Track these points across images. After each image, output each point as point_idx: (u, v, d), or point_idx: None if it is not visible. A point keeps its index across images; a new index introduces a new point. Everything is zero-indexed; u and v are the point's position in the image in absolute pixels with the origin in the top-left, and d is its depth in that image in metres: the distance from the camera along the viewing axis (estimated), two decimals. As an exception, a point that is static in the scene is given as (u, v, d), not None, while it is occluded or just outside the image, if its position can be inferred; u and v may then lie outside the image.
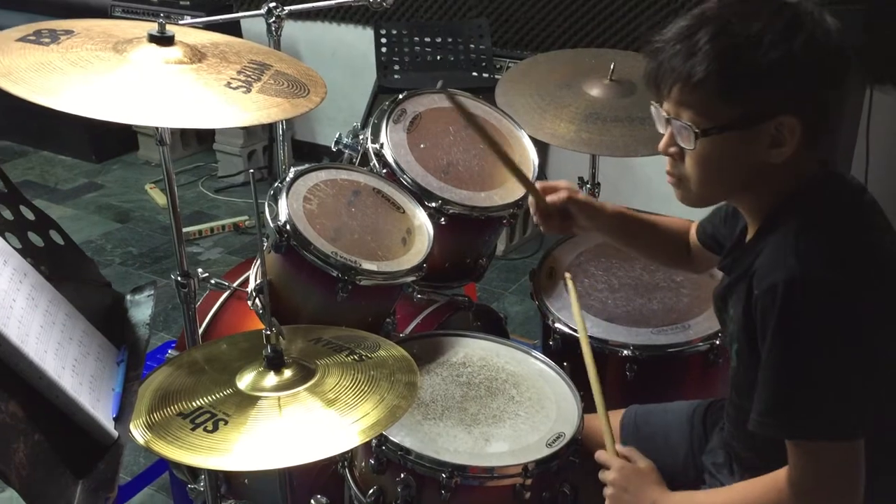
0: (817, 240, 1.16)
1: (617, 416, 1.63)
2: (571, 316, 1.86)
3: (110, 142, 4.39)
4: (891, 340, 1.18)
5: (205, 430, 1.18)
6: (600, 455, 1.45)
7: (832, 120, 1.19)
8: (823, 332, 1.13)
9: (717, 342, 1.79)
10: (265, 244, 1.65)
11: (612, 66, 2.07)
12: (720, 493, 1.34)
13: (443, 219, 1.82)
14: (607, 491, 1.41)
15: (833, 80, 1.17)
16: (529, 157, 2.01)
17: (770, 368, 1.17)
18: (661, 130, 1.25)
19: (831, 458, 1.16)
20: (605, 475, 1.43)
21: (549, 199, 1.56)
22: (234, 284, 1.92)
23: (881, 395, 1.19)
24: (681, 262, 1.68)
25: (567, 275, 1.75)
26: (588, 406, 1.55)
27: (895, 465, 1.25)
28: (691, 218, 1.64)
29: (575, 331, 1.83)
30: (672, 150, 1.24)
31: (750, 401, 1.22)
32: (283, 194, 1.64)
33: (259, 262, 1.64)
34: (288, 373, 1.29)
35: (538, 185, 1.59)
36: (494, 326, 2.09)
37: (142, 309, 1.32)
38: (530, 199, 1.59)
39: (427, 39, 3.45)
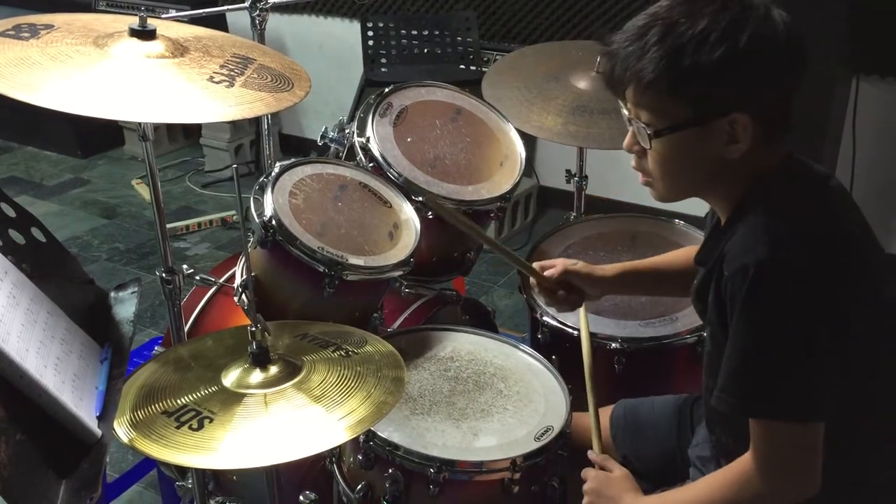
0: (783, 225, 1.17)
1: (606, 412, 1.63)
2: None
3: (96, 137, 4.36)
4: (855, 324, 1.18)
5: (190, 428, 1.17)
6: (591, 456, 1.48)
7: (790, 110, 1.20)
8: (787, 313, 1.13)
9: (705, 334, 1.78)
10: (251, 240, 1.64)
11: (598, 59, 2.06)
12: (689, 489, 1.34)
13: (430, 213, 1.81)
14: (585, 500, 1.43)
15: (784, 76, 1.17)
16: (516, 150, 2.00)
17: (733, 346, 1.18)
18: (627, 127, 1.26)
19: (788, 438, 1.17)
20: (584, 483, 1.44)
21: (548, 273, 1.62)
22: (221, 280, 1.92)
23: (843, 377, 1.19)
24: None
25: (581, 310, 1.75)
26: (576, 401, 1.55)
27: (850, 449, 1.25)
28: (685, 211, 1.62)
29: (563, 323, 1.83)
30: (636, 148, 1.26)
31: None
32: (269, 189, 1.63)
33: (244, 257, 1.63)
34: (274, 369, 1.28)
35: (536, 265, 1.64)
36: (483, 320, 2.09)
37: (126, 306, 1.31)
38: (531, 280, 1.65)
39: (414, 32, 3.43)
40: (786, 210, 1.19)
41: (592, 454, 1.48)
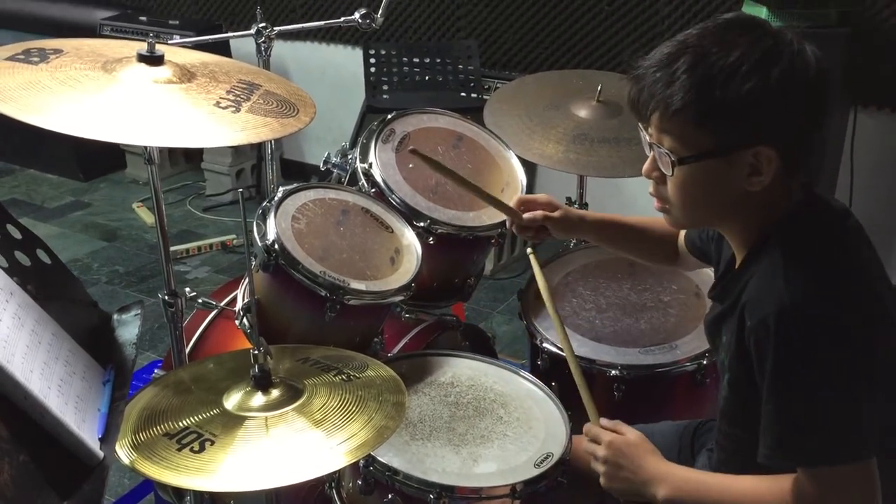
0: (804, 268, 1.16)
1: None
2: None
3: (98, 160, 4.38)
4: (884, 357, 1.18)
5: (191, 450, 1.17)
6: (588, 428, 1.43)
7: (813, 146, 1.20)
8: (819, 360, 1.13)
9: (704, 362, 1.79)
10: (253, 263, 1.65)
11: (599, 88, 2.09)
12: (728, 482, 1.29)
13: (431, 238, 1.82)
14: (599, 468, 1.38)
15: (812, 111, 1.17)
16: (517, 178, 2.01)
17: (774, 402, 1.16)
18: (647, 153, 1.26)
19: (851, 478, 1.17)
20: (594, 450, 1.39)
21: (526, 216, 1.63)
22: (222, 304, 1.92)
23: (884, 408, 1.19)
24: (669, 263, 1.71)
25: (529, 250, 1.78)
26: (576, 427, 1.54)
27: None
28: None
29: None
30: (655, 174, 1.25)
31: (743, 431, 1.23)
32: (272, 213, 1.64)
33: (247, 280, 1.64)
34: (275, 393, 1.28)
35: (516, 199, 1.65)
36: (482, 346, 2.09)
37: (129, 328, 1.31)
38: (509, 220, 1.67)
39: (416, 60, 3.46)
40: (804, 254, 1.18)
41: (589, 427, 1.42)
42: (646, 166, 1.26)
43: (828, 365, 1.13)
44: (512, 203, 1.68)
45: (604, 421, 1.43)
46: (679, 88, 1.13)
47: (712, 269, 1.49)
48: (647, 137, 1.22)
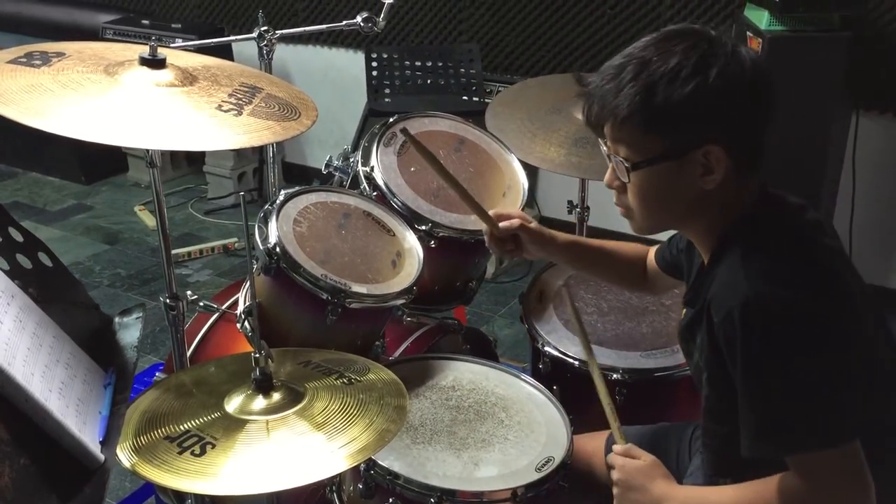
0: (762, 261, 1.20)
1: (603, 436, 1.63)
2: (560, 339, 1.86)
3: (100, 163, 4.38)
4: (854, 339, 1.20)
5: (192, 453, 1.17)
6: (611, 459, 1.45)
7: (764, 145, 1.24)
8: (786, 348, 1.15)
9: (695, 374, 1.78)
10: (255, 266, 1.65)
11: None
12: (725, 492, 1.31)
13: (433, 242, 1.82)
14: (614, 491, 1.41)
15: (753, 108, 1.21)
16: (519, 181, 2.01)
17: (749, 394, 1.19)
18: (608, 163, 1.30)
19: (834, 464, 1.18)
20: (611, 475, 1.42)
21: (502, 225, 1.62)
22: (223, 307, 1.92)
23: (866, 391, 1.20)
24: (637, 286, 1.74)
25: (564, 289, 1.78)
26: (577, 431, 1.54)
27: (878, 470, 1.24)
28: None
29: (565, 353, 1.83)
30: (616, 183, 1.29)
31: (727, 427, 1.24)
32: (273, 217, 1.64)
33: (248, 284, 1.64)
34: (276, 396, 1.28)
35: (492, 212, 1.64)
36: (484, 350, 2.09)
37: (130, 332, 1.31)
38: (484, 226, 1.65)
39: (418, 63, 3.47)
40: (761, 248, 1.22)
41: (618, 447, 1.45)
42: (606, 177, 1.31)
43: (794, 352, 1.15)
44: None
45: (617, 447, 1.45)
46: (625, 97, 1.19)
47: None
48: (605, 149, 1.27)
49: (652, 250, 1.65)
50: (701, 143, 1.19)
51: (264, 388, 1.28)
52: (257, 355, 1.28)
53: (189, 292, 1.69)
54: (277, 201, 1.68)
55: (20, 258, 1.23)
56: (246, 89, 1.48)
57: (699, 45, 1.18)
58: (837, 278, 1.22)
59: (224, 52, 3.60)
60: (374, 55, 3.46)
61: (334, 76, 4.06)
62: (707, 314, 1.24)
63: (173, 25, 3.99)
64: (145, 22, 4.04)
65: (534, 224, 1.64)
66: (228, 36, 3.72)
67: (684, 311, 1.40)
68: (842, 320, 1.19)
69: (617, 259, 1.69)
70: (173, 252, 1.67)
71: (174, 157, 4.38)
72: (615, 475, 1.40)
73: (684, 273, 1.48)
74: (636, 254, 1.68)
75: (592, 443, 1.62)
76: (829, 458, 1.17)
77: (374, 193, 1.85)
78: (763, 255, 1.21)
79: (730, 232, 1.26)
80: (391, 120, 1.98)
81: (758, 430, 1.19)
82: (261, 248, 1.61)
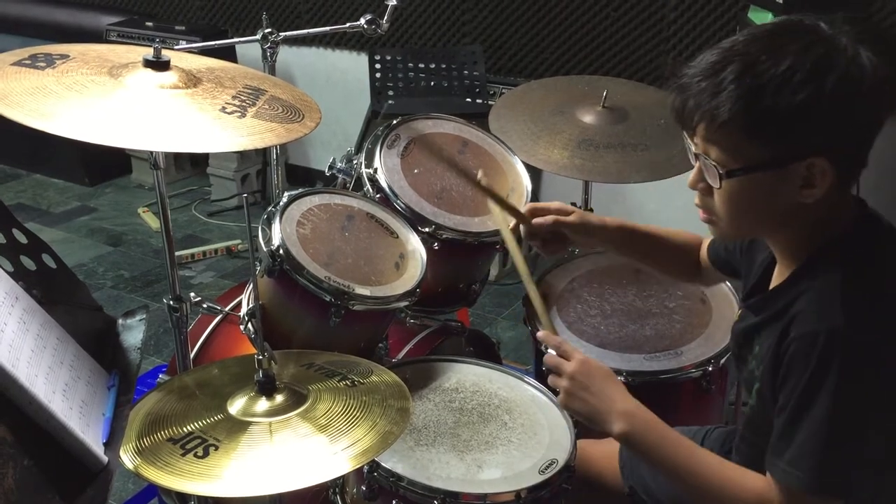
0: (863, 294, 1.13)
1: (613, 443, 1.62)
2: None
3: (103, 165, 4.39)
4: None
5: (195, 455, 1.17)
6: (548, 338, 1.37)
7: (867, 157, 1.15)
8: (859, 392, 1.11)
9: (710, 369, 1.78)
10: (258, 268, 1.65)
11: (604, 94, 2.09)
12: (694, 448, 1.27)
13: (436, 244, 1.82)
14: (562, 383, 1.32)
15: (868, 120, 1.12)
16: (523, 183, 2.01)
17: (804, 419, 1.13)
18: (693, 163, 1.21)
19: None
20: (559, 364, 1.33)
21: (536, 222, 1.55)
22: (227, 309, 1.92)
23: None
24: (689, 278, 1.66)
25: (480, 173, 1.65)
26: (582, 433, 1.54)
27: None
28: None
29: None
30: (701, 185, 1.20)
31: (765, 439, 1.20)
32: (277, 218, 1.64)
33: (252, 285, 1.64)
34: (280, 398, 1.28)
35: (527, 206, 1.58)
36: (487, 352, 2.09)
37: (133, 333, 1.31)
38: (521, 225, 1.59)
39: (421, 65, 3.47)
40: (864, 276, 1.15)
41: (546, 336, 1.37)
42: (691, 178, 1.21)
43: (862, 398, 1.10)
44: (524, 210, 1.60)
45: (543, 335, 1.36)
46: (726, 99, 1.08)
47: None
48: (693, 147, 1.17)
49: (705, 241, 1.55)
50: (806, 155, 1.08)
51: (267, 390, 1.28)
52: (260, 357, 1.28)
53: (192, 294, 1.69)
54: (281, 203, 1.68)
55: (24, 260, 1.24)
56: (249, 91, 1.48)
57: (815, 47, 1.06)
58: None
59: (228, 54, 3.61)
60: (378, 57, 3.46)
61: (338, 78, 4.07)
62: (785, 327, 1.15)
63: (177, 27, 4.00)
64: (149, 24, 4.05)
65: (573, 216, 1.54)
66: (232, 38, 3.73)
67: (739, 312, 1.32)
68: None
69: (670, 247, 1.58)
70: (177, 254, 1.67)
71: (178, 160, 4.38)
72: (571, 367, 1.31)
73: (741, 272, 1.40)
74: (690, 243, 1.58)
75: (600, 448, 1.62)
76: (816, 502, 1.14)
77: (378, 195, 1.85)
78: (865, 285, 1.13)
79: (825, 247, 1.17)
80: (394, 122, 1.98)
81: (800, 460, 1.14)
82: (264, 249, 1.61)
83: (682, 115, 1.16)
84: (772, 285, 1.27)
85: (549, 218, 1.55)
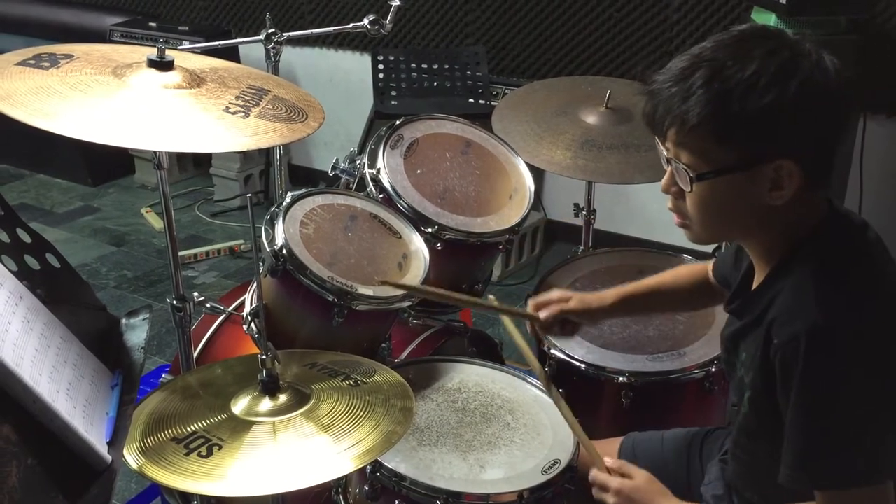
0: (836, 286, 1.15)
1: (615, 444, 1.62)
2: (566, 342, 1.86)
3: (107, 165, 4.39)
4: None
5: (199, 455, 1.18)
6: (596, 476, 1.40)
7: (835, 159, 1.17)
8: (848, 381, 1.11)
9: (713, 369, 1.78)
10: (261, 268, 1.65)
11: (608, 94, 2.09)
12: None
13: (439, 244, 1.82)
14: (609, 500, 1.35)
15: (832, 123, 1.14)
16: (526, 184, 2.01)
17: (799, 422, 1.15)
18: (665, 167, 1.23)
19: (862, 501, 1.15)
20: (603, 498, 1.37)
21: (542, 315, 1.60)
22: (230, 308, 1.92)
23: None
24: (707, 304, 1.68)
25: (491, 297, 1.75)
26: (585, 432, 1.54)
27: None
28: (693, 246, 1.60)
29: (571, 356, 1.82)
30: (673, 189, 1.22)
31: (762, 445, 1.21)
32: (280, 218, 1.64)
33: (255, 286, 1.64)
34: (283, 398, 1.28)
35: (531, 304, 1.63)
36: (490, 352, 2.09)
37: (137, 333, 1.31)
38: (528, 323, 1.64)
39: (424, 66, 3.47)
40: (834, 272, 1.16)
41: (597, 475, 1.40)
42: (664, 182, 1.23)
43: (856, 386, 1.11)
44: (529, 310, 1.64)
45: (608, 461, 1.41)
46: (695, 104, 1.10)
47: None
48: (665, 152, 1.19)
49: (709, 265, 1.57)
50: (773, 157, 1.11)
51: (271, 389, 1.28)
52: (264, 357, 1.28)
53: (196, 294, 1.69)
54: (284, 203, 1.69)
55: (28, 259, 1.23)
56: (253, 91, 1.48)
57: (780, 52, 1.09)
58: None
59: (231, 54, 3.61)
60: (381, 57, 3.46)
61: (341, 78, 4.07)
62: (766, 333, 1.18)
63: (180, 28, 4.00)
64: (153, 24, 4.05)
65: (573, 302, 1.59)
66: (235, 38, 3.73)
67: (728, 318, 1.34)
68: None
69: (678, 292, 1.61)
70: (180, 254, 1.68)
71: (181, 160, 4.39)
72: (612, 500, 1.35)
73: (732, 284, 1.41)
74: (696, 277, 1.59)
75: (604, 449, 1.62)
76: (858, 495, 1.14)
77: (381, 195, 1.85)
78: (836, 280, 1.15)
79: (796, 247, 1.19)
80: (397, 122, 1.98)
81: (798, 463, 1.15)
82: (267, 249, 1.61)
83: (653, 121, 1.18)
84: (752, 289, 1.28)
85: (554, 308, 1.60)
